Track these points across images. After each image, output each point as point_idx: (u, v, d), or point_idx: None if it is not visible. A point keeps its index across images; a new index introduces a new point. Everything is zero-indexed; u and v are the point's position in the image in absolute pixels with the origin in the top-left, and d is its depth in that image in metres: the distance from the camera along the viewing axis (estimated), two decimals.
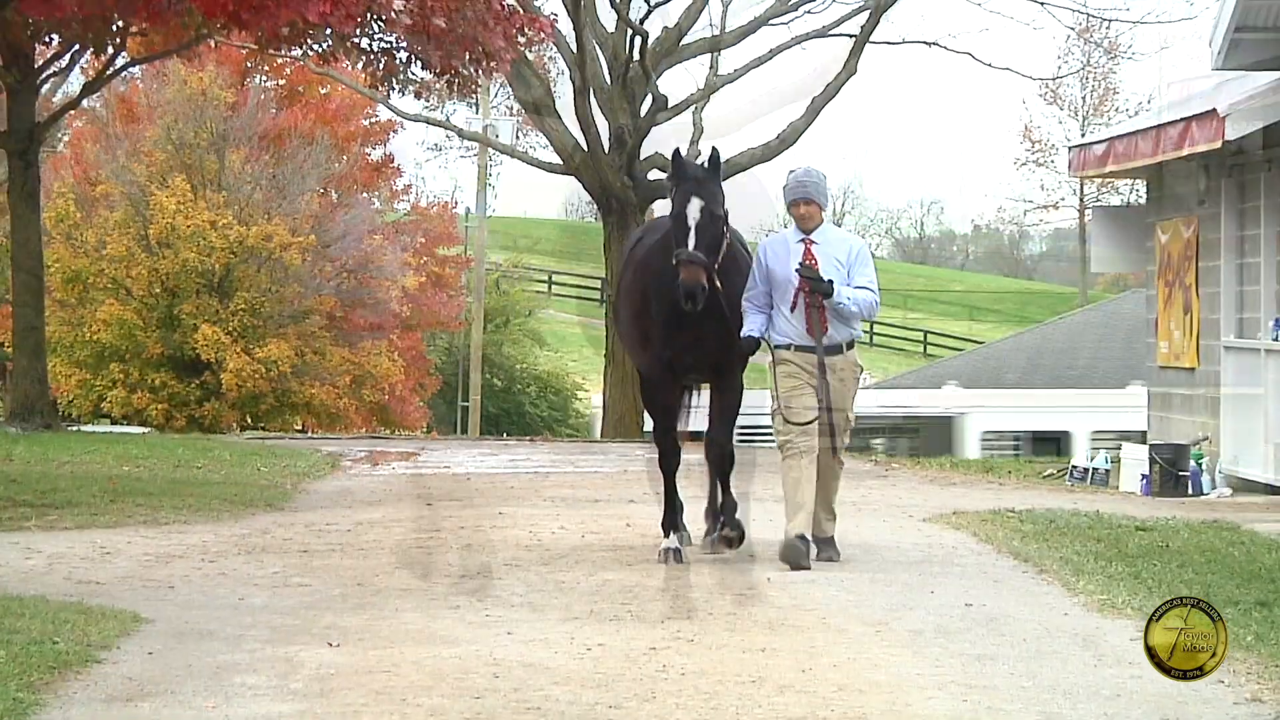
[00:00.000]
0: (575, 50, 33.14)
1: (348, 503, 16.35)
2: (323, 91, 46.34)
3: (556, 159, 35.60)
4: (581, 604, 10.49)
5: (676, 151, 12.48)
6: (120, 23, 20.21)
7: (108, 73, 27.97)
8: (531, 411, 55.80)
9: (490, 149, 52.35)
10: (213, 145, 41.04)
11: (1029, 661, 8.95)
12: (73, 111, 36.35)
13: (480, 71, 21.20)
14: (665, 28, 35.07)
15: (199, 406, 39.18)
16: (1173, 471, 18.58)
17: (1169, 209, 20.97)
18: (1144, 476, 18.83)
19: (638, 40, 33.38)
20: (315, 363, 40.30)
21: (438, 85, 23.26)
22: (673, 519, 12.48)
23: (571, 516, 14.88)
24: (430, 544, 13.12)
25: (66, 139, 46.73)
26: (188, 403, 39.18)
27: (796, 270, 11.86)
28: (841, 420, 12.05)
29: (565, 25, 32.65)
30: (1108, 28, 57.60)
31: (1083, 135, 69.36)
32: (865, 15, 34.37)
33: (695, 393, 13.00)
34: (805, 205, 12.08)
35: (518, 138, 54.20)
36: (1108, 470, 19.91)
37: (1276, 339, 18.18)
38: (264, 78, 46.50)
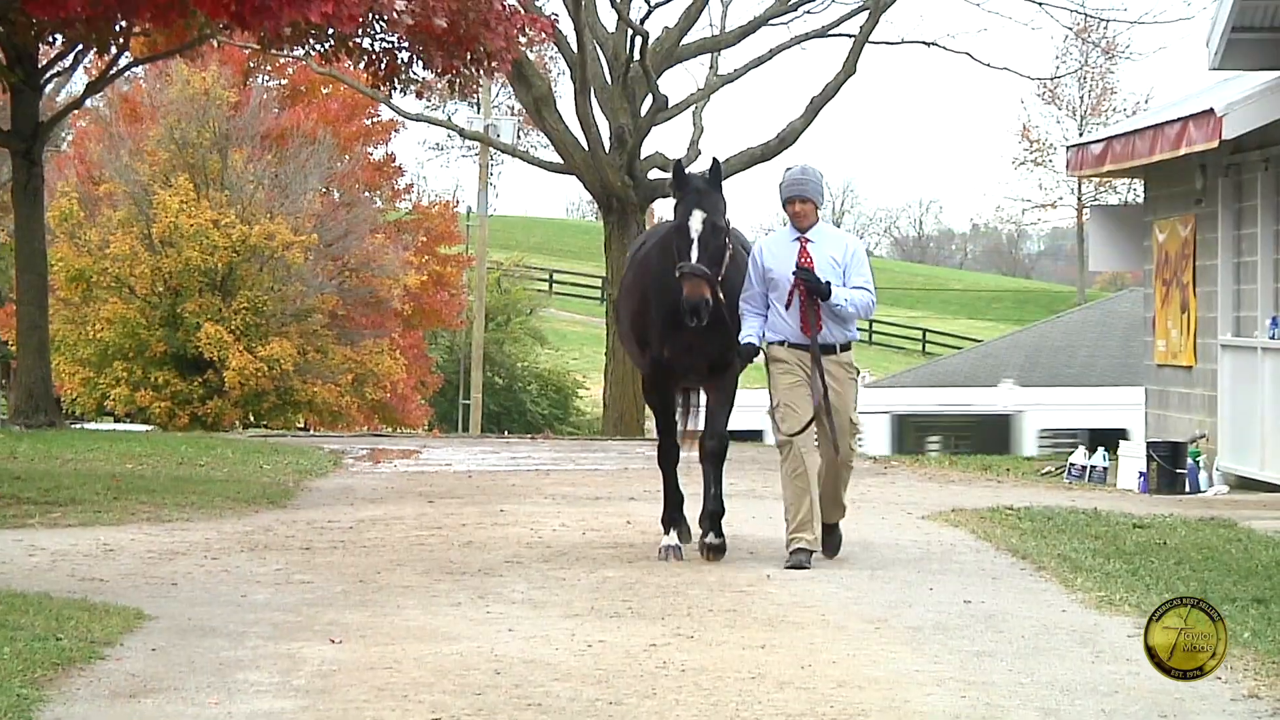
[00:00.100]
0: (576, 50, 33.19)
1: (349, 500, 16.35)
2: (325, 91, 46.41)
3: (557, 158, 35.66)
4: (582, 601, 10.52)
5: (678, 163, 12.53)
6: (124, 23, 20.24)
7: (111, 72, 28.01)
8: (532, 409, 55.88)
9: (491, 148, 52.39)
10: (215, 144, 41.09)
11: (1027, 658, 8.97)
12: (76, 111, 36.43)
13: (481, 71, 21.28)
14: (665, 28, 35.15)
15: (202, 404, 39.24)
16: (1170, 469, 18.63)
17: (1166, 208, 21.02)
18: (1141, 474, 18.89)
19: (638, 40, 33.44)
20: (317, 361, 40.35)
21: (439, 85, 23.38)
22: (673, 516, 12.55)
23: (572, 514, 14.90)
24: (432, 541, 13.14)
25: (70, 138, 46.84)
26: (191, 401, 39.23)
27: (794, 274, 11.85)
28: (844, 423, 11.95)
29: (566, 25, 32.74)
30: (1105, 28, 57.74)
31: (1081, 135, 69.32)
32: (864, 15, 34.43)
33: (698, 392, 13.03)
34: (801, 203, 12.00)
35: (519, 137, 54.29)
36: (1105, 468, 19.96)
37: (1273, 337, 18.22)
38: (266, 77, 46.62)
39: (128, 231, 39.67)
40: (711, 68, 37.94)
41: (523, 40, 21.44)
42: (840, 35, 35.15)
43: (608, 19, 34.78)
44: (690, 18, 35.41)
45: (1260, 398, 18.25)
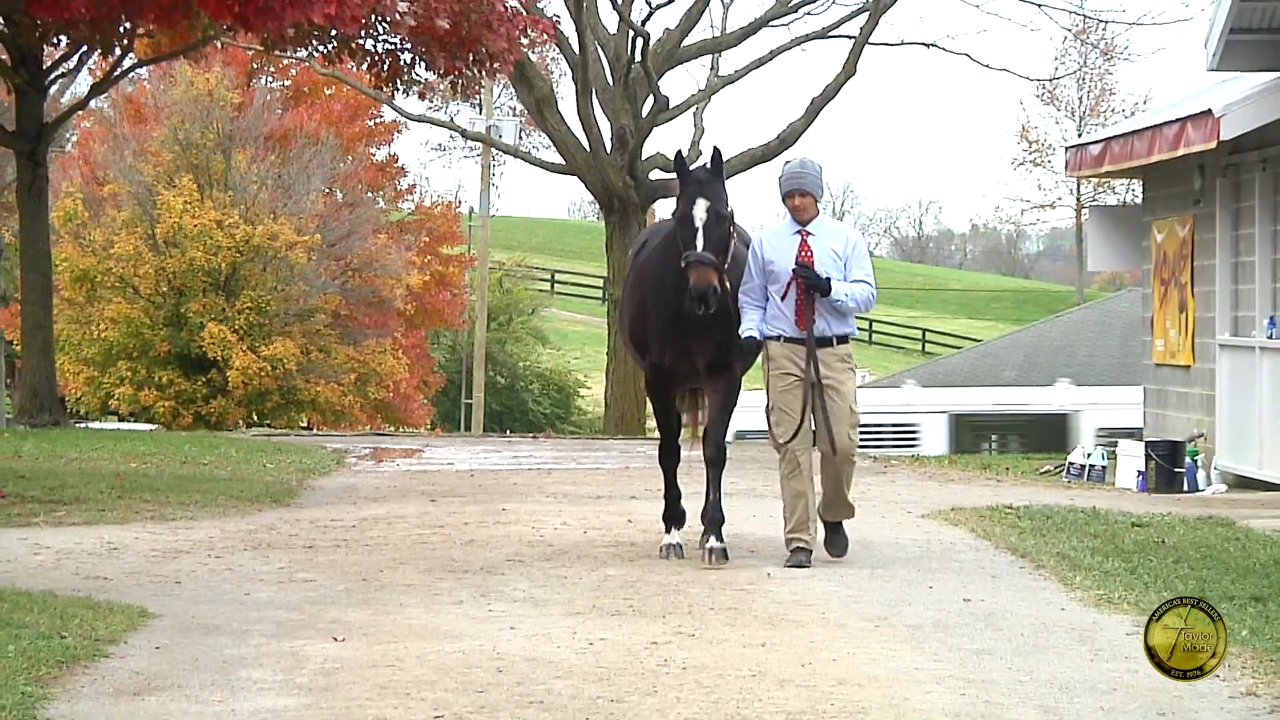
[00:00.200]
0: (578, 51, 33.25)
1: (352, 499, 16.36)
2: (328, 92, 46.46)
3: (559, 159, 35.71)
4: (584, 599, 10.54)
5: (679, 154, 12.56)
6: (128, 24, 20.28)
7: (115, 74, 28.05)
8: (534, 409, 55.91)
9: (494, 149, 52.42)
10: (219, 145, 41.14)
11: (1026, 656, 9.00)
12: (80, 112, 36.52)
13: (484, 73, 21.32)
14: (666, 29, 35.21)
15: (205, 404, 39.29)
16: (1168, 468, 18.66)
17: (1165, 208, 21.04)
18: (1140, 473, 18.90)
19: (639, 41, 33.49)
20: (320, 361, 40.40)
21: (441, 86, 23.41)
22: (674, 515, 12.58)
23: (574, 512, 14.92)
24: (434, 540, 13.15)
25: (74, 139, 46.91)
26: (194, 400, 39.28)
27: (794, 270, 11.85)
28: (844, 411, 11.83)
29: (568, 26, 32.80)
30: (1104, 29, 57.70)
31: (1079, 135, 69.33)
32: (864, 17, 34.48)
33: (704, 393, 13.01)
34: (800, 197, 11.92)
35: (521, 138, 54.34)
36: (1104, 467, 20.00)
37: (1271, 337, 18.25)
38: (270, 78, 46.68)
39: (132, 232, 39.74)
40: (712, 69, 37.99)
41: (525, 41, 21.48)
42: (840, 36, 35.24)
43: (609, 20, 34.86)
44: (691, 19, 35.47)
45: (1258, 397, 18.28)
